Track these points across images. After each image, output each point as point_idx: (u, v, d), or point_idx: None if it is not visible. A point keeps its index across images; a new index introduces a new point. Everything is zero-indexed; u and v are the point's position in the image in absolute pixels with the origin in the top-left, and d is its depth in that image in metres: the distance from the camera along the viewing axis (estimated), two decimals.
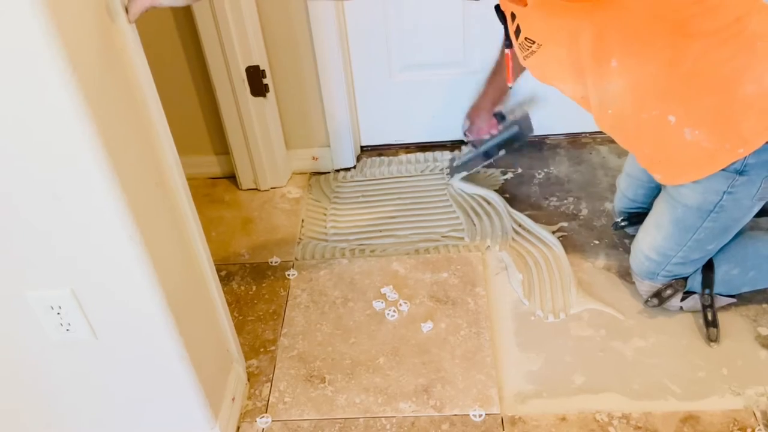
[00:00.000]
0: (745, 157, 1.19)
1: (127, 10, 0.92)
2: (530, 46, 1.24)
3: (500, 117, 1.81)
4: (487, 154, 1.85)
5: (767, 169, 1.21)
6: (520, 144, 1.83)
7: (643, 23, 1.12)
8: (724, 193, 1.25)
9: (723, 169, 1.22)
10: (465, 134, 1.87)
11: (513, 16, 1.28)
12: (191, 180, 1.14)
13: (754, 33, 1.13)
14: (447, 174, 1.91)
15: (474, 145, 1.86)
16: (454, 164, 1.90)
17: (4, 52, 0.76)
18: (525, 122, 1.81)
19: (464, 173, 1.88)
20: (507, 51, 1.36)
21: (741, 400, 1.30)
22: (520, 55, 1.31)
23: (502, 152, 1.83)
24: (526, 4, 1.02)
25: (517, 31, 1.27)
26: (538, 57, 1.25)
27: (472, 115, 1.82)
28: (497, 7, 1.34)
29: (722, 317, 1.43)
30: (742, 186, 1.23)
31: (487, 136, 1.82)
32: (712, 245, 1.37)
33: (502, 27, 1.35)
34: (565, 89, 1.32)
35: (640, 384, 1.34)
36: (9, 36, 0.75)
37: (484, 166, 1.90)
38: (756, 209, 1.31)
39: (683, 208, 1.32)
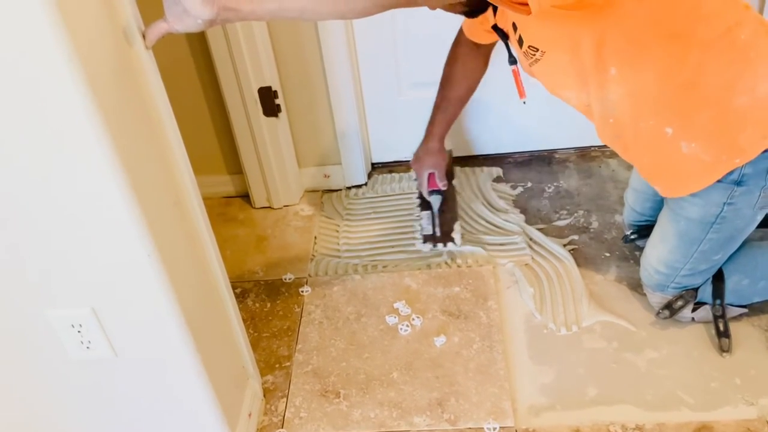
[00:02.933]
0: (743, 167, 1.20)
1: (144, 36, 0.95)
2: (534, 54, 1.26)
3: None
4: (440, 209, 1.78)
5: (765, 179, 1.22)
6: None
7: (641, 31, 1.14)
8: (725, 204, 1.26)
9: (721, 181, 1.23)
10: (433, 190, 1.76)
11: (514, 26, 1.30)
12: (206, 199, 1.17)
13: (745, 43, 1.15)
14: (434, 245, 1.75)
15: (428, 204, 1.78)
16: (428, 233, 1.77)
17: (22, 79, 0.79)
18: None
19: (458, 225, 1.77)
20: (512, 67, 1.38)
21: (754, 410, 1.30)
22: (525, 63, 1.33)
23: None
24: (529, 13, 1.04)
25: (520, 41, 1.28)
26: (542, 65, 1.26)
27: (433, 161, 1.74)
28: (495, 26, 1.36)
29: (734, 327, 1.44)
30: (742, 196, 1.24)
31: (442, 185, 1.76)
32: (719, 255, 1.38)
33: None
34: (571, 98, 1.33)
35: (654, 395, 1.35)
36: (29, 65, 0.78)
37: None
38: (759, 218, 1.32)
39: (686, 221, 1.33)
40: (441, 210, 1.78)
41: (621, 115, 1.24)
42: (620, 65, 1.17)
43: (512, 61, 1.37)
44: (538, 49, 1.24)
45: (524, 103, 1.41)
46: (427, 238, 1.76)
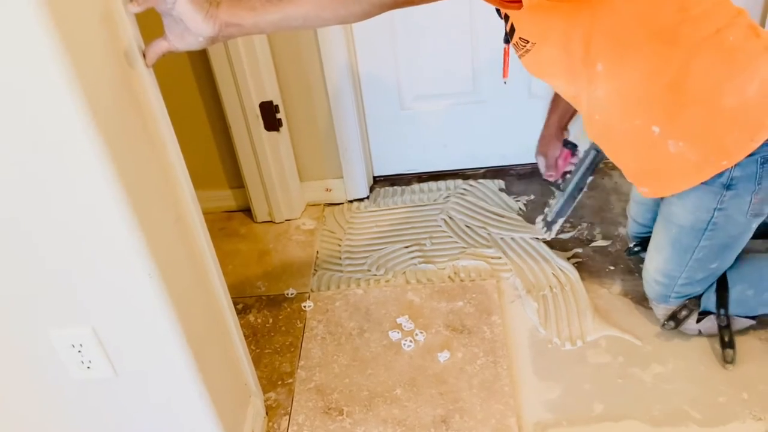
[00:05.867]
0: (731, 170, 1.19)
1: (144, 55, 0.94)
2: (525, 45, 1.25)
3: (571, 146, 1.65)
4: (577, 190, 1.68)
5: (754, 183, 1.21)
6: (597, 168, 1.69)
7: (629, 28, 1.13)
8: (715, 209, 1.25)
9: (710, 185, 1.22)
10: (546, 177, 1.69)
11: (506, 17, 1.29)
12: (207, 214, 1.16)
13: (734, 45, 1.14)
14: (544, 231, 1.72)
15: (559, 187, 1.69)
16: (549, 219, 1.71)
17: (22, 99, 0.79)
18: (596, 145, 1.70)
19: (561, 221, 1.69)
20: (505, 46, 1.37)
21: (762, 425, 1.28)
22: (516, 53, 1.32)
23: (589, 180, 1.66)
24: (521, 8, 1.03)
25: (512, 31, 1.27)
26: (532, 56, 1.25)
27: (543, 148, 1.68)
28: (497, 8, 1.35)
29: (741, 341, 1.42)
30: (732, 201, 1.24)
31: (570, 168, 1.68)
32: (715, 264, 1.36)
33: (512, 55, 1.36)
34: (558, 87, 1.32)
35: (660, 410, 1.33)
36: (29, 85, 0.78)
37: (573, 207, 1.69)
38: (754, 226, 1.30)
39: (677, 229, 1.33)
40: (568, 195, 1.66)
41: (608, 113, 1.24)
42: (607, 62, 1.17)
43: (507, 40, 1.34)
44: (528, 41, 1.23)
45: (505, 83, 1.39)
46: (546, 217, 1.72)
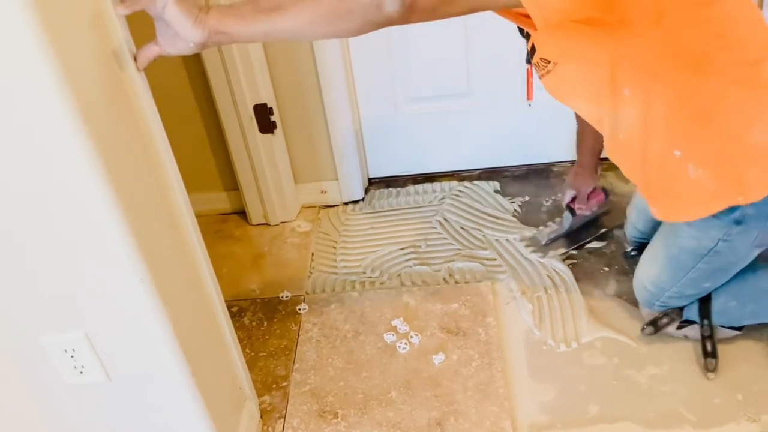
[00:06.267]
0: (746, 207, 1.17)
1: (135, 59, 0.94)
2: (546, 66, 1.21)
3: (605, 191, 1.75)
4: (579, 227, 1.75)
5: (765, 220, 1.19)
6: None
7: (658, 55, 1.09)
8: (720, 240, 1.24)
9: (720, 218, 1.20)
10: (570, 207, 1.75)
11: (528, 35, 1.25)
12: (202, 217, 1.16)
13: None
14: (533, 252, 1.74)
15: (573, 213, 1.75)
16: (544, 242, 1.75)
17: (10, 104, 0.79)
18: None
19: (560, 250, 1.74)
20: (527, 66, 1.34)
21: (757, 427, 1.28)
22: (537, 73, 1.29)
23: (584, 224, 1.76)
24: (536, 28, 1.01)
25: (533, 50, 1.23)
26: (553, 77, 1.22)
27: (577, 184, 1.71)
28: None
29: (734, 342, 1.43)
30: (739, 235, 1.22)
31: (594, 209, 1.74)
32: (708, 284, 1.37)
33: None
34: (581, 110, 1.29)
35: (655, 412, 1.33)
36: (18, 90, 0.78)
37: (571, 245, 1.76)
38: (754, 254, 1.29)
39: (678, 249, 1.32)
40: (567, 233, 1.76)
41: (631, 134, 1.20)
42: (634, 88, 1.12)
43: (528, 59, 1.30)
44: (549, 62, 1.20)
45: (530, 105, 1.36)
46: (533, 241, 1.76)
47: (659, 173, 1.24)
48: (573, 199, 1.74)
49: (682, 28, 1.07)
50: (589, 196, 1.72)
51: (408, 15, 0.94)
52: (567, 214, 1.75)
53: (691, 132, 1.15)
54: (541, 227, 1.80)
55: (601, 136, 1.46)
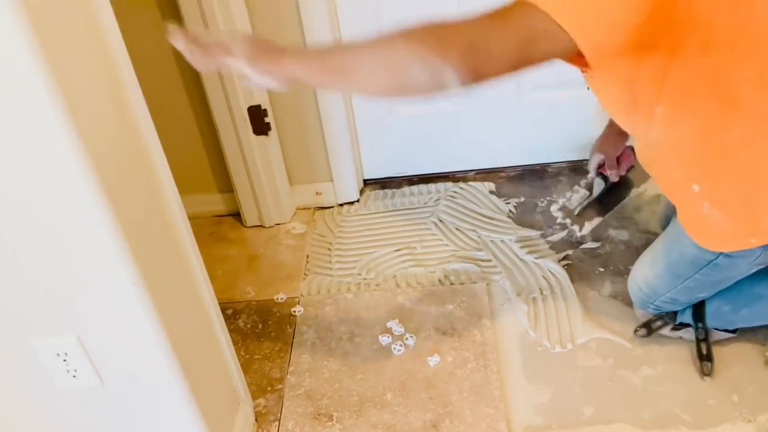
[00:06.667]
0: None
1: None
2: (586, 69, 1.17)
3: (631, 148, 1.65)
4: (606, 197, 1.66)
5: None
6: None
7: (697, 83, 1.04)
8: (721, 254, 1.23)
9: None
10: (601, 173, 1.66)
11: None
12: (196, 219, 1.15)
13: None
14: (570, 224, 1.67)
15: (607, 179, 1.65)
16: (576, 212, 1.67)
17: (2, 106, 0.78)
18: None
19: (595, 220, 1.66)
20: None
21: (753, 428, 1.28)
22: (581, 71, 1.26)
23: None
24: (588, 66, 0.97)
25: None
26: (591, 80, 1.19)
27: (605, 147, 1.64)
28: None
29: (729, 344, 1.43)
30: (741, 255, 1.21)
31: (623, 172, 1.65)
32: (703, 294, 1.37)
33: None
34: (615, 118, 1.27)
35: (651, 413, 1.33)
36: (5, 90, 0.77)
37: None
38: (753, 270, 1.28)
39: (678, 255, 1.31)
40: (599, 198, 1.65)
41: (656, 153, 1.19)
42: (668, 109, 1.09)
43: None
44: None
45: (588, 89, 1.33)
46: (565, 210, 1.67)
47: (678, 198, 1.22)
48: (601, 165, 1.66)
49: (726, 63, 1.02)
50: (618, 159, 1.64)
51: (471, 87, 0.96)
52: (599, 180, 1.64)
53: (713, 170, 1.12)
54: (568, 193, 1.69)
55: None
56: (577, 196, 1.69)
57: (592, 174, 1.68)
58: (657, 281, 1.38)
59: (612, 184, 1.66)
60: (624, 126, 1.26)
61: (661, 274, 1.37)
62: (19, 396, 1.11)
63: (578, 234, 1.64)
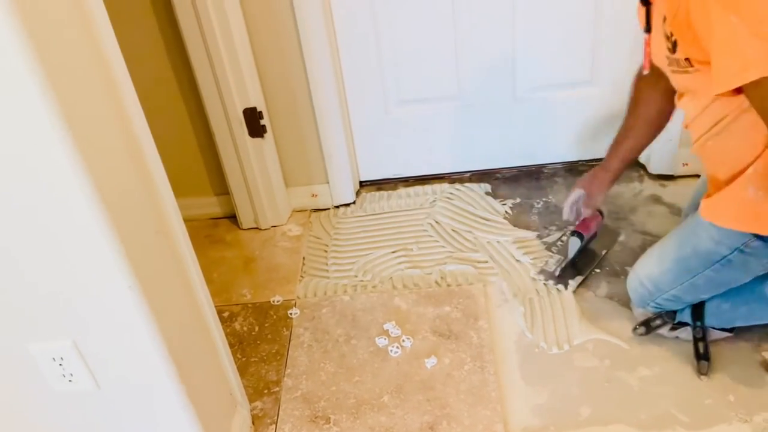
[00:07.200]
0: None
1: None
2: (687, 66, 1.17)
3: (600, 212, 1.67)
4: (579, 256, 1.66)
5: None
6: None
7: None
8: (736, 249, 1.24)
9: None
10: (576, 232, 1.64)
11: (664, 18, 1.19)
12: (193, 221, 1.15)
13: None
14: (546, 282, 1.65)
15: (582, 237, 1.64)
16: (557, 274, 1.66)
17: None
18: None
19: (578, 278, 1.65)
20: (646, 36, 1.30)
21: (749, 428, 1.28)
22: (664, 64, 1.24)
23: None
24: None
25: (674, 46, 1.17)
26: (689, 78, 1.18)
27: (591, 187, 1.61)
28: None
29: (726, 344, 1.43)
30: (755, 250, 1.22)
31: (594, 230, 1.66)
32: (706, 294, 1.37)
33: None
34: (696, 109, 1.24)
35: (648, 414, 1.33)
36: (3, 98, 0.77)
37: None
38: (760, 272, 1.29)
39: (692, 249, 1.31)
40: (575, 259, 1.66)
41: (724, 142, 1.20)
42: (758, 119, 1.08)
43: (647, 29, 1.27)
44: (693, 66, 1.15)
45: (645, 73, 1.32)
46: (545, 274, 1.67)
47: (727, 176, 1.22)
48: (577, 223, 1.66)
49: None
50: (586, 220, 1.65)
51: None
52: (574, 239, 1.64)
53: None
54: (546, 259, 1.71)
55: (644, 142, 1.53)
56: (552, 261, 1.70)
57: (567, 210, 1.66)
58: (662, 277, 1.38)
59: (587, 240, 1.66)
60: (693, 115, 1.24)
61: (668, 270, 1.37)
62: (15, 400, 1.11)
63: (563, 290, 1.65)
